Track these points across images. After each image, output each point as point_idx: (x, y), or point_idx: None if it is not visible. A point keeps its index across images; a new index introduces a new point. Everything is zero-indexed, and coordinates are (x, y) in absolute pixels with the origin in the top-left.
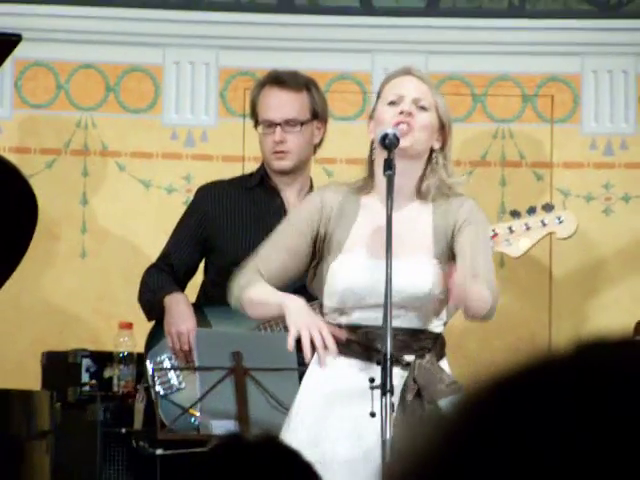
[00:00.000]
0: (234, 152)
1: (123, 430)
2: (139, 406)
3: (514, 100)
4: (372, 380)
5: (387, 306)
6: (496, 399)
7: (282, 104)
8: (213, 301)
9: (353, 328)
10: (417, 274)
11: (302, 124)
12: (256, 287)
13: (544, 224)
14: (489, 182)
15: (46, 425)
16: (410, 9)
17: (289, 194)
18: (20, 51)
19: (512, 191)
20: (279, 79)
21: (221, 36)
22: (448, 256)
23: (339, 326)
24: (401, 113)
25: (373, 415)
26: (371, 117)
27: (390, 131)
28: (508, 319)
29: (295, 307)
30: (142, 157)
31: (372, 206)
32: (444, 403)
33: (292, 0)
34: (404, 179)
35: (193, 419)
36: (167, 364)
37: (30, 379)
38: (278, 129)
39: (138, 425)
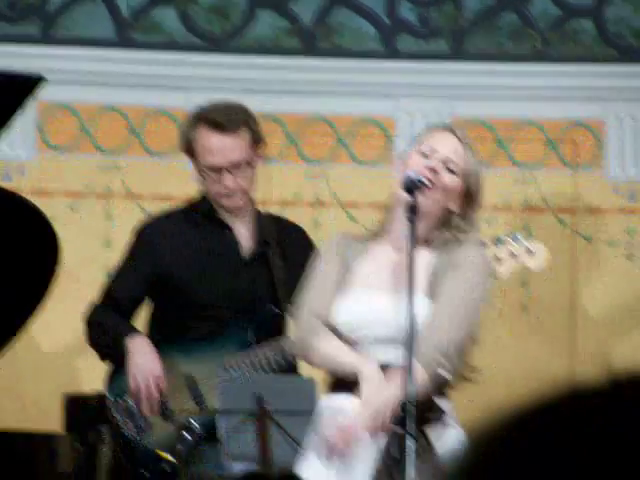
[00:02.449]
0: (259, 195)
1: (143, 472)
2: (104, 450)
3: (537, 145)
4: (397, 424)
5: (411, 346)
6: (526, 431)
7: (225, 149)
8: (169, 339)
9: None
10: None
11: (248, 163)
12: (326, 341)
13: (514, 256)
14: (512, 228)
15: (68, 467)
16: (434, 53)
17: (239, 226)
18: (43, 93)
19: (535, 237)
20: (217, 123)
21: (244, 79)
22: None
23: None
24: (427, 168)
25: (395, 460)
26: (403, 160)
27: (414, 175)
28: (532, 365)
29: (372, 379)
30: (165, 200)
31: (380, 250)
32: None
33: (316, 44)
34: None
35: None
36: (131, 405)
37: (52, 422)
38: (226, 173)
39: (103, 471)
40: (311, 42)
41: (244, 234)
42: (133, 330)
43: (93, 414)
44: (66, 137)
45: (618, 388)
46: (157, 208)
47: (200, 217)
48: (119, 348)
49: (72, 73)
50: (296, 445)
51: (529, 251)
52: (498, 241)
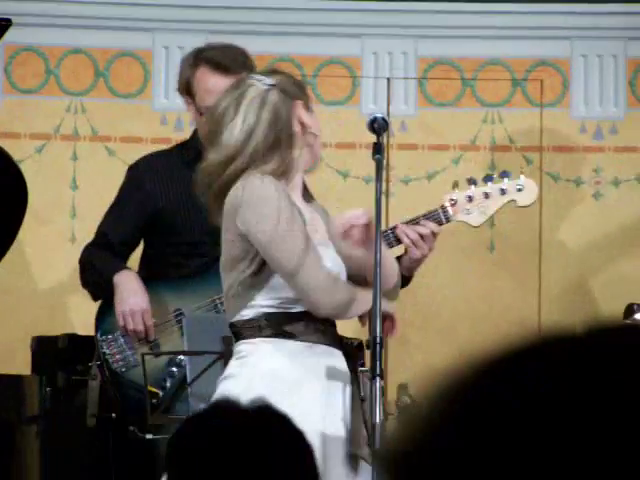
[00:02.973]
0: None
1: (113, 415)
2: (92, 384)
3: (503, 84)
4: (362, 365)
5: (377, 290)
6: (501, 378)
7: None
8: (160, 276)
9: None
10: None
11: None
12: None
13: (503, 192)
14: (479, 166)
15: (36, 410)
16: None
17: None
18: (9, 36)
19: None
20: (219, 64)
21: (210, 20)
22: None
23: (300, 314)
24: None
25: (363, 400)
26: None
27: (379, 115)
28: (498, 303)
29: None
30: (132, 142)
31: (296, 194)
32: None
33: None
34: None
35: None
36: (121, 341)
37: (20, 364)
38: None
39: (92, 404)
40: None
41: None
42: (122, 267)
43: (62, 356)
44: (32, 80)
45: (597, 336)
46: (123, 150)
47: (192, 156)
48: (108, 286)
49: (38, 16)
50: None
51: (519, 187)
52: (488, 178)
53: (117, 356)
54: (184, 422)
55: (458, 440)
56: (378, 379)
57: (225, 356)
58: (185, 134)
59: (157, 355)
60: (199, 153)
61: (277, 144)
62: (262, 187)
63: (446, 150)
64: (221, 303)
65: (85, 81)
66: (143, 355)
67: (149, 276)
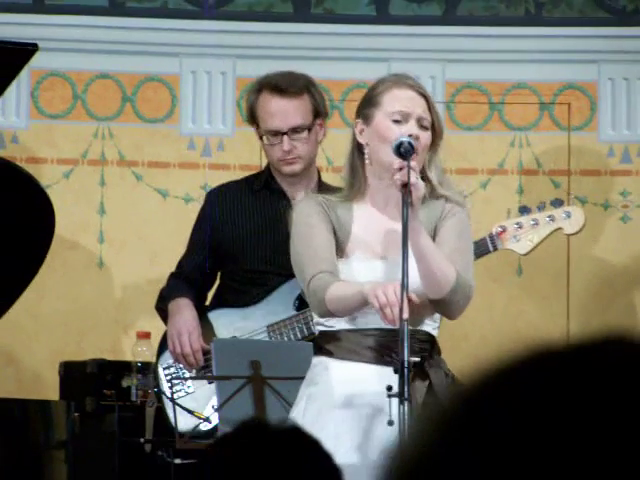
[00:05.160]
0: (251, 161)
1: (141, 439)
2: (149, 410)
3: (531, 108)
4: (390, 388)
5: (402, 315)
6: (510, 386)
7: (286, 112)
8: (227, 304)
9: (361, 331)
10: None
11: (309, 129)
12: (334, 285)
13: (552, 219)
14: (506, 190)
15: (64, 435)
16: (427, 17)
17: (296, 195)
18: (36, 61)
19: (530, 199)
20: (278, 86)
21: (237, 45)
22: None
23: (346, 330)
24: (409, 136)
25: (391, 424)
26: (365, 121)
27: (405, 139)
28: (526, 327)
29: (371, 284)
30: (159, 167)
31: (366, 211)
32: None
33: (308, 9)
34: (393, 190)
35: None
36: (174, 369)
37: (48, 389)
38: (285, 138)
39: (149, 429)
40: (304, 7)
41: None
42: (178, 295)
43: (90, 381)
44: (59, 105)
45: (609, 348)
46: (151, 175)
47: (260, 186)
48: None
49: (65, 41)
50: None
51: (567, 215)
52: (540, 207)
53: (172, 385)
54: (212, 444)
55: (452, 457)
56: (407, 403)
57: (253, 380)
58: (213, 159)
59: (186, 380)
60: (267, 182)
61: None
62: None
63: (474, 174)
64: (273, 331)
65: (112, 106)
66: (172, 380)
67: (217, 304)
